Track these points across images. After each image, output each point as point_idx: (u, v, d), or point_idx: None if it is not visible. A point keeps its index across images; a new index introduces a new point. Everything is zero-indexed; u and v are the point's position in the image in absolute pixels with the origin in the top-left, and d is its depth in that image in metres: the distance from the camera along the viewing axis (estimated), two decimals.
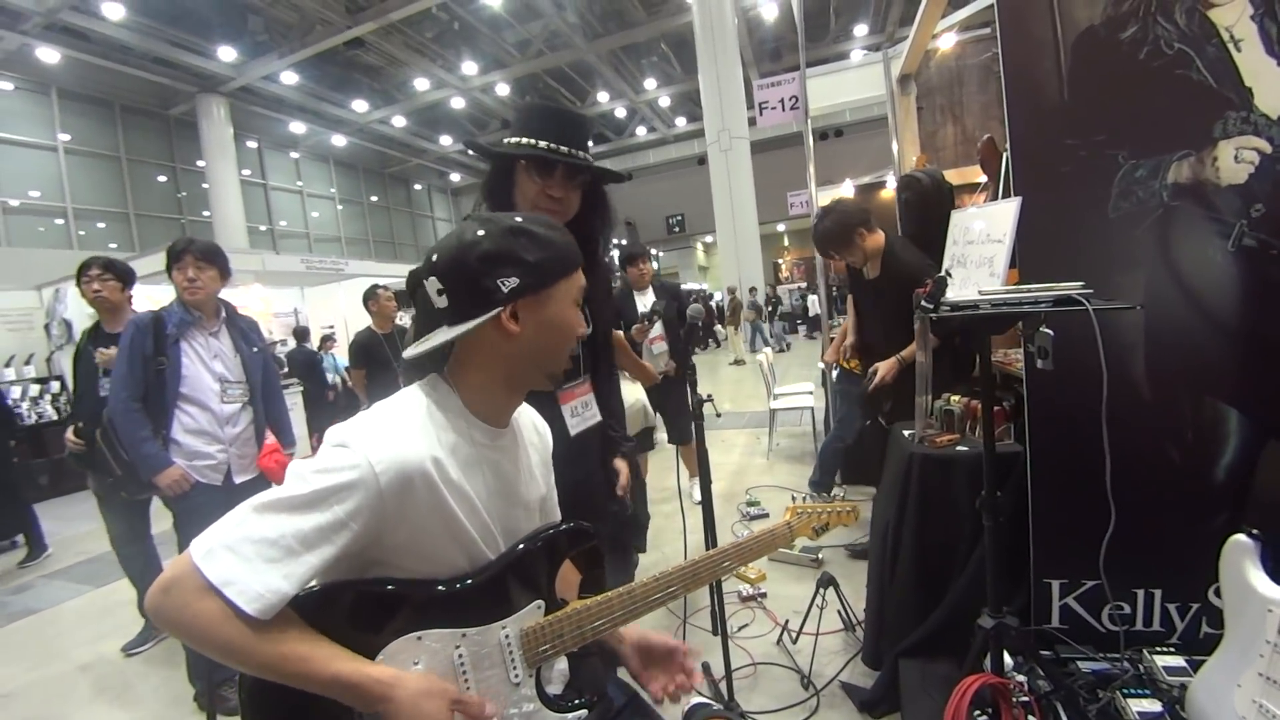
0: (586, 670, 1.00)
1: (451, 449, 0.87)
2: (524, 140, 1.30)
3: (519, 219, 0.89)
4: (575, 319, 0.93)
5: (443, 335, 0.87)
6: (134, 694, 2.46)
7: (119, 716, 2.34)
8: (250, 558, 0.72)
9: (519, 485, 0.99)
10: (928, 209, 2.69)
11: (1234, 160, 1.57)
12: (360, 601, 0.81)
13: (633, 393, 2.53)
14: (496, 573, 0.89)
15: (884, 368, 2.59)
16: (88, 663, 2.74)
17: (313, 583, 0.82)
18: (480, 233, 0.86)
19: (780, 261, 23.28)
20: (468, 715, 0.79)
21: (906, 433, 2.09)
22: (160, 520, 2.53)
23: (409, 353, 0.90)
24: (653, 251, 18.43)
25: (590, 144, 1.40)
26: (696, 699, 2.05)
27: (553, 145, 1.29)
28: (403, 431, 0.83)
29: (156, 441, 2.17)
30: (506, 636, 0.88)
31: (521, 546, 0.93)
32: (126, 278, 2.76)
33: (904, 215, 2.82)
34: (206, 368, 2.27)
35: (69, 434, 2.73)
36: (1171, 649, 1.65)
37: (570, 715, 0.93)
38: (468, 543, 0.88)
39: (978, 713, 1.49)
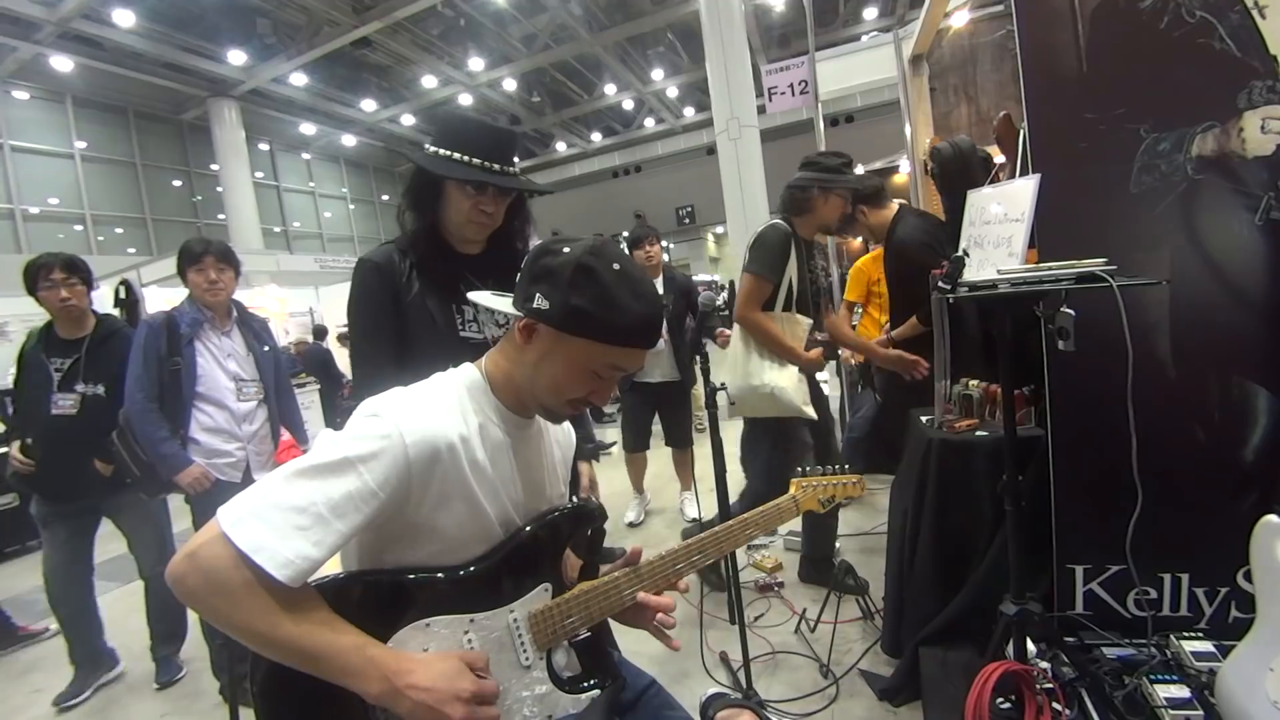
0: (599, 652, 1.00)
1: (478, 431, 0.88)
2: (455, 155, 1.32)
3: (619, 266, 0.84)
4: (573, 384, 0.88)
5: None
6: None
7: (148, 708, 2.38)
8: (279, 525, 0.71)
9: (542, 477, 0.99)
10: (950, 180, 2.49)
11: (1260, 131, 1.52)
12: (370, 590, 0.82)
13: (778, 379, 2.24)
14: (502, 557, 0.89)
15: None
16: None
17: (327, 574, 0.82)
18: (567, 250, 0.85)
19: None
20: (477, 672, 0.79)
21: (924, 418, 2.06)
22: (179, 518, 2.56)
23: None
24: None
25: (517, 158, 1.44)
26: (714, 688, 2.05)
27: (487, 163, 1.33)
28: (434, 408, 0.85)
29: (175, 441, 2.19)
30: (515, 620, 0.88)
31: (526, 529, 0.93)
32: (90, 279, 2.43)
33: (938, 190, 2.71)
34: (221, 367, 2.30)
35: (14, 451, 2.36)
36: (1200, 634, 1.62)
37: (583, 696, 0.93)
38: (487, 526, 0.88)
39: (1000, 700, 1.46)
